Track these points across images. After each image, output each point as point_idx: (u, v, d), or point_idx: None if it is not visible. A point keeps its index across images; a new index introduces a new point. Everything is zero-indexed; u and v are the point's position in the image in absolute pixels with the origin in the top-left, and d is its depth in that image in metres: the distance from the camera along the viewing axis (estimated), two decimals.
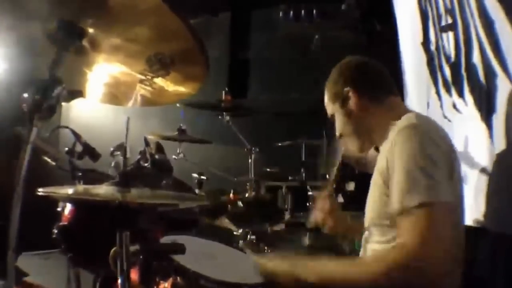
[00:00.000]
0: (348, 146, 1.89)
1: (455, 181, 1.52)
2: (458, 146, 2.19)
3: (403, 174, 1.44)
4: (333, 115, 1.86)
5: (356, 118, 1.77)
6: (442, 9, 2.44)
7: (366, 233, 1.72)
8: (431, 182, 1.40)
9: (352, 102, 1.75)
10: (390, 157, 1.52)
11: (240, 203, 2.90)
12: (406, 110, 1.73)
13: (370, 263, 1.52)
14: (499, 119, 1.86)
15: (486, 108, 1.96)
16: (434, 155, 1.45)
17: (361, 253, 1.77)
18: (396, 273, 1.36)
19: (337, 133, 1.86)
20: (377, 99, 1.75)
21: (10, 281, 1.24)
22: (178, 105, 3.80)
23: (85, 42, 1.36)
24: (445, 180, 1.44)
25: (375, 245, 1.64)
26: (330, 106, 1.86)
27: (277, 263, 1.60)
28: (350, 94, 1.75)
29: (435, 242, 1.35)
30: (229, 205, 2.85)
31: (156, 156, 2.28)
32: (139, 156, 2.75)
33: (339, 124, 1.83)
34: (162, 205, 1.66)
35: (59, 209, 2.18)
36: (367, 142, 1.80)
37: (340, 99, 1.79)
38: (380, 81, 1.79)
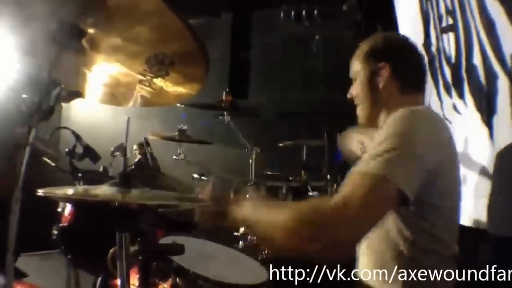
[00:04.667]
0: (357, 111, 1.81)
1: (444, 181, 1.48)
2: (459, 147, 2.19)
3: (377, 142, 1.41)
4: (356, 73, 1.80)
5: (376, 93, 1.72)
6: (443, 10, 2.44)
7: None
8: (393, 159, 1.36)
9: (382, 79, 1.70)
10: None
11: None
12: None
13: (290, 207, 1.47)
14: (499, 120, 1.86)
15: (486, 109, 1.96)
16: (413, 139, 1.42)
17: None
18: (305, 221, 1.32)
19: (351, 93, 1.82)
20: (404, 89, 1.70)
21: (9, 281, 1.24)
22: (179, 105, 3.81)
23: (85, 42, 1.35)
24: (409, 168, 1.38)
25: None
26: (358, 65, 1.79)
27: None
28: (385, 71, 1.69)
29: (361, 204, 1.30)
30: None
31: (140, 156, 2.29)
32: (139, 157, 2.76)
33: (358, 88, 1.78)
34: (162, 206, 1.66)
35: (59, 210, 2.18)
36: (373, 119, 1.76)
37: (372, 67, 1.73)
38: (417, 75, 1.75)
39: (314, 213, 1.33)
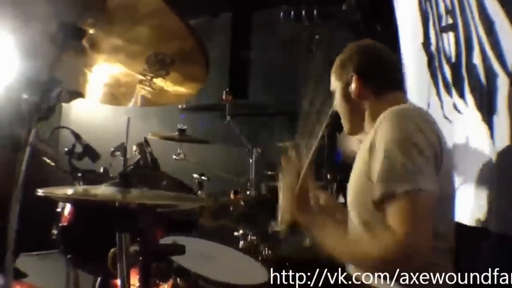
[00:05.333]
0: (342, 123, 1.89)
1: (443, 171, 1.52)
2: (459, 146, 2.19)
3: (387, 159, 1.45)
4: (333, 88, 1.86)
5: (352, 103, 1.78)
6: (442, 10, 2.44)
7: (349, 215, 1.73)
8: (415, 170, 1.42)
9: (353, 88, 1.75)
10: (373, 140, 1.52)
11: (241, 204, 2.89)
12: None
13: (368, 245, 1.53)
14: (500, 119, 1.86)
15: (486, 108, 1.96)
16: (419, 143, 1.46)
17: None
18: (388, 257, 1.41)
19: (333, 108, 1.88)
20: (378, 93, 1.74)
21: (9, 281, 1.24)
22: (180, 106, 3.81)
23: (85, 43, 1.35)
24: (428, 168, 1.45)
25: (356, 228, 1.65)
26: (333, 80, 1.86)
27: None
28: (354, 80, 1.74)
29: (419, 230, 1.39)
30: (230, 206, 2.84)
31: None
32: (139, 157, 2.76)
33: (337, 102, 1.85)
34: (161, 206, 1.66)
35: (58, 210, 2.18)
36: (358, 127, 1.82)
37: (343, 80, 1.79)
38: (388, 76, 1.78)
39: (390, 249, 1.40)
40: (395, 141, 1.46)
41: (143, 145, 2.77)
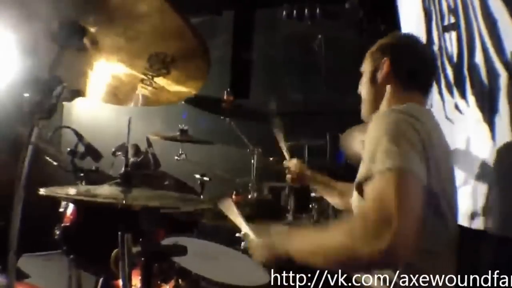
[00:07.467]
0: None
1: (432, 168, 1.43)
2: (460, 147, 2.18)
3: (372, 145, 1.39)
4: (364, 69, 1.85)
5: (376, 88, 1.77)
6: (445, 9, 2.43)
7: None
8: (400, 151, 1.33)
9: (382, 73, 1.74)
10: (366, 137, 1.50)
11: (243, 204, 2.89)
12: None
13: (337, 235, 1.38)
14: (501, 119, 1.85)
15: (488, 108, 1.95)
16: (408, 134, 1.40)
17: None
18: (360, 243, 1.26)
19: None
20: (404, 87, 1.72)
21: (11, 282, 1.24)
22: (183, 102, 3.80)
23: (86, 41, 1.35)
24: (415, 156, 1.36)
25: None
26: (365, 62, 1.85)
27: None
28: (385, 65, 1.73)
29: (401, 211, 1.24)
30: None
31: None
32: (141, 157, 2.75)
33: (362, 83, 1.85)
34: (164, 207, 1.65)
35: (61, 210, 2.18)
36: (373, 114, 1.78)
37: (376, 63, 1.78)
38: (418, 74, 1.74)
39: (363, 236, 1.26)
40: (381, 131, 1.41)
41: (141, 146, 2.75)
